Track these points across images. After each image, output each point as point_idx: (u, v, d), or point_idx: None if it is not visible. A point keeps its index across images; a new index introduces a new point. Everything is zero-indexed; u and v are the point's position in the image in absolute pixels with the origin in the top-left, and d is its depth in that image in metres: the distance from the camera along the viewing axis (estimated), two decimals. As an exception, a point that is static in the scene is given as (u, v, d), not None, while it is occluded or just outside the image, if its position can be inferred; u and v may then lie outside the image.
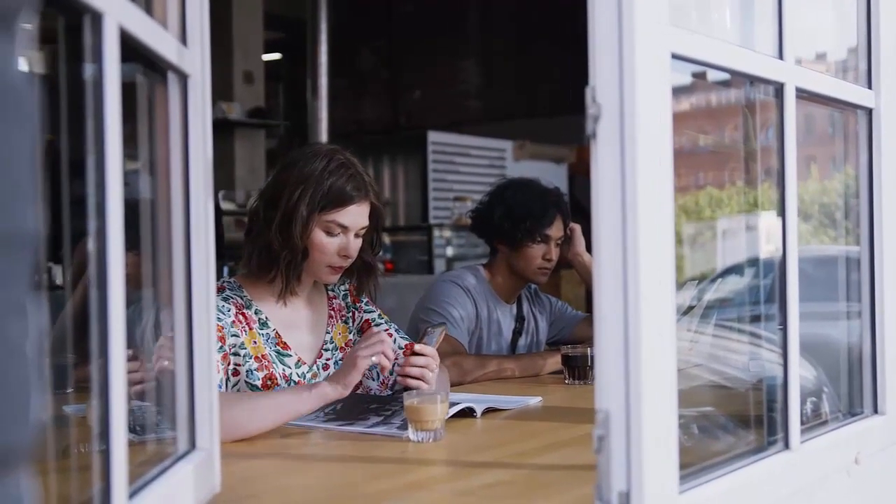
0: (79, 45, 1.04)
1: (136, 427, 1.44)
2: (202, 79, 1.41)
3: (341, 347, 2.41)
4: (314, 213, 2.21)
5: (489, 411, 2.23)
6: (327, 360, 2.38)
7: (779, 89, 1.55)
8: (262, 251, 2.25)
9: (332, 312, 2.43)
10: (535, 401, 2.41)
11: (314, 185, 2.21)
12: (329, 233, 2.24)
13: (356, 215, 2.26)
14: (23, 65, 0.61)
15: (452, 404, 2.07)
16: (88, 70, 1.04)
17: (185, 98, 1.38)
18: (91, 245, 1.03)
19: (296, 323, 2.34)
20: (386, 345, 2.06)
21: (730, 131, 2.14)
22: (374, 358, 2.03)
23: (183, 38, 1.37)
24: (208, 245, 1.42)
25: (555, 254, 3.08)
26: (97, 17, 1.01)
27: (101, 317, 1.02)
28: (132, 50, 1.14)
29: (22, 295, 0.59)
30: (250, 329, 2.24)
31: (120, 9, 1.06)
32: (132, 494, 1.11)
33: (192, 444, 1.39)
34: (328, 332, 2.40)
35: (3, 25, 0.58)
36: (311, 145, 2.36)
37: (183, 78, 1.37)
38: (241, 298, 2.27)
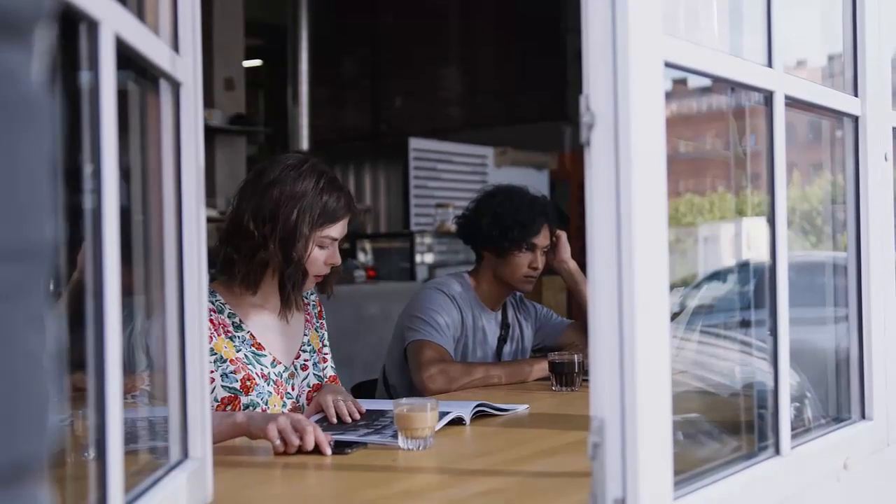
0: (74, 53, 1.03)
1: (126, 435, 1.44)
2: (194, 87, 1.41)
3: (318, 350, 2.49)
4: (314, 231, 2.29)
5: (480, 415, 2.24)
6: (305, 360, 2.44)
7: (768, 97, 1.56)
8: (260, 267, 2.30)
9: (308, 317, 2.51)
10: (522, 408, 2.41)
11: (310, 204, 2.28)
12: (321, 246, 2.33)
13: (344, 227, 2.37)
14: (40, 75, 0.61)
15: (442, 414, 2.08)
16: (84, 77, 1.03)
17: (178, 106, 1.38)
18: (87, 254, 1.02)
19: (272, 327, 2.39)
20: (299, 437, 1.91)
21: (710, 138, 2.15)
22: (277, 442, 1.88)
23: (175, 46, 1.37)
24: (200, 253, 1.41)
25: (541, 262, 3.08)
26: (93, 25, 1.01)
27: (97, 326, 1.02)
28: (125, 57, 1.13)
29: (40, 307, 0.59)
30: (219, 335, 2.28)
31: (116, 17, 1.05)
32: (127, 505, 1.10)
33: (185, 454, 1.39)
34: (305, 335, 2.47)
35: (19, 37, 0.58)
36: (287, 158, 2.36)
37: (175, 86, 1.37)
38: (213, 303, 2.29)
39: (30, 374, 0.58)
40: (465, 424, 2.17)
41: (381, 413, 2.24)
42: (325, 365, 2.53)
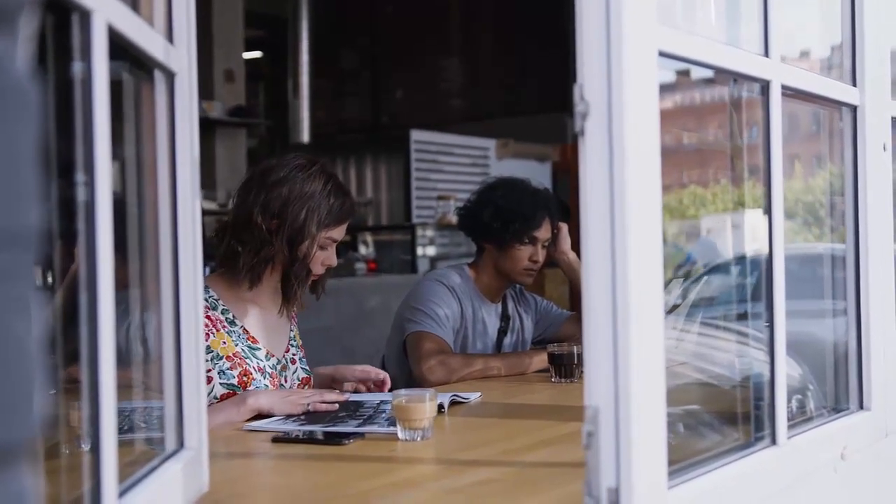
0: (66, 43, 1.03)
1: (123, 426, 1.44)
2: (189, 77, 1.41)
3: (300, 346, 2.55)
4: (320, 231, 2.34)
5: (454, 404, 2.28)
6: (293, 354, 2.50)
7: (765, 87, 1.56)
8: (264, 262, 2.32)
9: (293, 314, 2.55)
10: (475, 396, 2.43)
11: (318, 204, 2.33)
12: (322, 247, 2.37)
13: (344, 230, 2.43)
14: (24, 62, 0.61)
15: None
16: (76, 68, 1.03)
17: (172, 96, 1.37)
18: (80, 246, 1.02)
19: (263, 322, 2.43)
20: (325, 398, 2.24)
21: (713, 129, 2.14)
22: (309, 407, 2.18)
23: (170, 37, 1.37)
24: (196, 245, 1.41)
25: (541, 255, 3.07)
26: (86, 15, 1.01)
27: (91, 317, 1.02)
28: (119, 48, 1.13)
29: (26, 291, 0.59)
30: (218, 331, 2.30)
31: (108, 7, 1.05)
32: (122, 493, 1.11)
33: (181, 444, 1.39)
34: (292, 330, 2.52)
35: (3, 25, 0.58)
36: (294, 158, 2.39)
37: (170, 76, 1.37)
38: (206, 300, 2.31)
39: (15, 358, 0.58)
40: (444, 413, 2.18)
41: (360, 404, 2.26)
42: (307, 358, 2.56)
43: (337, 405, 2.21)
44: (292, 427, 2.04)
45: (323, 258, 2.38)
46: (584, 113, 1.20)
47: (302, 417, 2.13)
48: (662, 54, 1.27)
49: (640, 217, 1.20)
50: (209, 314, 2.30)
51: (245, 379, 2.28)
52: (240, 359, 2.30)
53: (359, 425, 2.03)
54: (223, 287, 2.37)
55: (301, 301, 2.48)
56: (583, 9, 1.20)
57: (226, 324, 2.33)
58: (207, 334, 2.26)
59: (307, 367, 2.53)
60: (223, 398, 2.24)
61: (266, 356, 2.38)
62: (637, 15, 1.20)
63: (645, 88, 1.22)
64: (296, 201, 2.31)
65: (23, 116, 0.59)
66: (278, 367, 2.41)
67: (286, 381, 2.42)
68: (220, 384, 2.26)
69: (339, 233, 2.39)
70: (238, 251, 2.32)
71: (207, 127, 7.39)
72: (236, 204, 2.39)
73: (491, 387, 2.63)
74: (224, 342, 2.30)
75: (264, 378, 2.33)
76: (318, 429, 2.01)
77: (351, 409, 2.20)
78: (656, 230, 1.24)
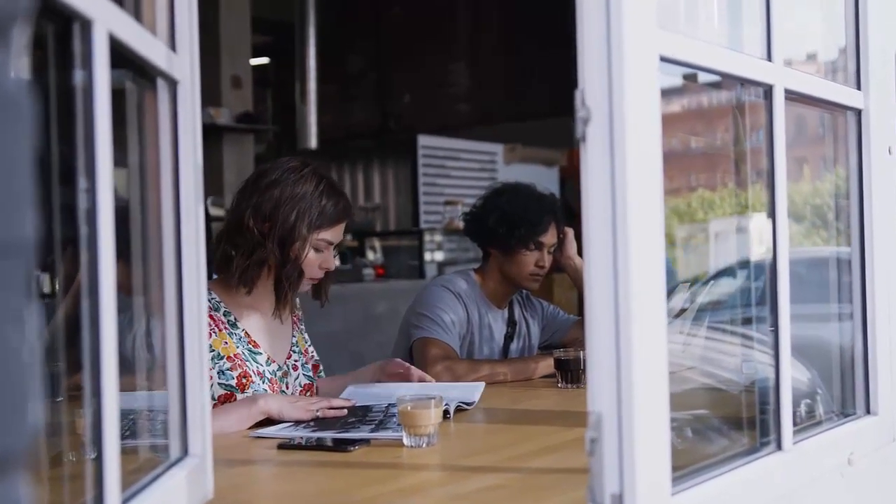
0: (68, 52, 1.03)
1: (126, 433, 1.44)
2: (192, 85, 1.41)
3: (304, 352, 2.53)
4: (311, 233, 2.32)
5: (459, 410, 2.28)
6: (295, 361, 2.49)
7: (768, 91, 1.56)
8: (257, 265, 2.32)
9: (295, 320, 2.55)
10: (479, 388, 2.45)
11: (309, 206, 2.32)
12: (317, 249, 2.36)
13: (339, 232, 2.41)
14: (19, 72, 0.61)
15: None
16: (78, 76, 1.03)
17: (175, 104, 1.38)
18: (82, 253, 1.02)
19: (265, 327, 2.43)
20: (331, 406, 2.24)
21: (721, 133, 2.14)
22: (318, 413, 2.17)
23: (172, 45, 1.37)
24: (199, 252, 1.41)
25: (547, 261, 3.07)
26: (87, 24, 1.01)
27: (93, 324, 1.02)
28: (121, 56, 1.14)
29: (20, 301, 0.60)
30: (220, 331, 2.31)
31: (109, 15, 1.06)
32: (125, 501, 1.11)
33: (185, 451, 1.39)
34: (294, 337, 2.51)
35: (-1, 34, 0.58)
36: (288, 161, 2.40)
37: (172, 84, 1.37)
38: (209, 301, 2.31)
39: (10, 368, 0.58)
40: (449, 419, 2.18)
41: (369, 409, 2.25)
42: (310, 365, 2.56)
43: (346, 411, 2.21)
44: (303, 434, 2.04)
45: (320, 261, 2.37)
46: (586, 118, 1.20)
47: (311, 424, 2.13)
48: (663, 59, 1.27)
49: (642, 222, 1.20)
50: (211, 314, 2.30)
51: (244, 381, 2.29)
52: (240, 360, 2.31)
53: (370, 431, 2.03)
54: (223, 292, 2.37)
55: (294, 304, 2.48)
56: (583, 14, 1.20)
57: (227, 325, 2.34)
58: (209, 333, 2.26)
59: (310, 374, 2.52)
60: (221, 399, 2.25)
61: (267, 361, 2.38)
62: (637, 20, 1.20)
63: (646, 93, 1.22)
64: (286, 203, 2.30)
65: (18, 126, 0.60)
66: (279, 373, 2.41)
67: (287, 388, 2.42)
68: (219, 384, 2.26)
69: (333, 235, 2.37)
70: (232, 256, 2.32)
71: (215, 133, 7.40)
72: (231, 209, 2.41)
73: (497, 392, 2.62)
74: (226, 342, 2.31)
75: (263, 382, 2.33)
76: (329, 435, 2.00)
77: (360, 415, 2.20)
78: (658, 235, 1.24)
